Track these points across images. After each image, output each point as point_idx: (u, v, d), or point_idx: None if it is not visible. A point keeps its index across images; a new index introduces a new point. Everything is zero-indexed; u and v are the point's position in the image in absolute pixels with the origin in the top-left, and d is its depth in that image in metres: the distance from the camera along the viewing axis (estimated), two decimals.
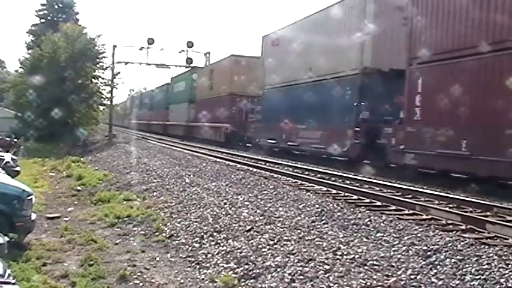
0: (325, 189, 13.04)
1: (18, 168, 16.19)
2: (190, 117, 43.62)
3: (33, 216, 8.60)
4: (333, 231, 8.14)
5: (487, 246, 7.00)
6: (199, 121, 39.68)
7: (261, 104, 30.33)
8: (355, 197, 11.73)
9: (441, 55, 15.07)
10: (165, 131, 52.52)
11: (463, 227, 8.54)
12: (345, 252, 6.98)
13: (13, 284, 4.37)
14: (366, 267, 6.41)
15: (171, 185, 13.85)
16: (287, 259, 6.82)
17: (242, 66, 33.89)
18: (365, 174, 15.88)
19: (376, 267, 6.41)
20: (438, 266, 6.29)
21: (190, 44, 39.73)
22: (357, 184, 14.03)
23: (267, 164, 19.93)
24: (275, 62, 27.69)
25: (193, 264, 7.40)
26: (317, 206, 10.04)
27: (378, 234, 7.84)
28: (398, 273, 6.16)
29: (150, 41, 38.14)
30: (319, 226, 8.55)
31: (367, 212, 9.52)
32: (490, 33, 13.31)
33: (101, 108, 43.51)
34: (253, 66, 32.20)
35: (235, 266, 6.97)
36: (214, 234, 8.59)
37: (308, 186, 13.61)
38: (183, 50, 39.61)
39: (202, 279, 6.76)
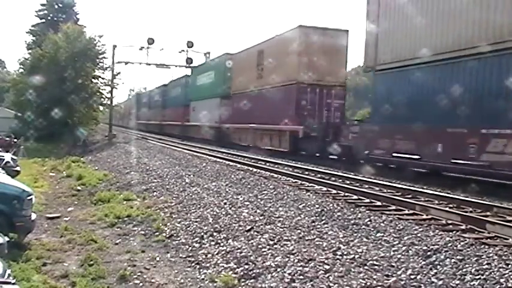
0: (325, 189, 13.04)
1: (18, 168, 16.19)
2: (224, 116, 34.03)
3: (33, 216, 8.60)
4: (333, 231, 8.15)
5: (487, 246, 7.00)
6: (240, 122, 30.74)
7: (372, 93, 20.34)
8: (355, 197, 11.73)
9: None
10: (184, 133, 43.77)
11: (463, 227, 8.54)
12: (345, 252, 6.99)
13: (13, 284, 4.36)
14: (366, 267, 6.41)
15: (171, 185, 13.86)
16: (287, 259, 6.82)
17: (315, 43, 23.93)
18: (365, 174, 15.87)
19: (376, 267, 6.41)
20: (438, 266, 6.29)
21: (190, 44, 39.68)
22: (357, 184, 14.03)
23: (267, 164, 19.92)
24: (405, 25, 16.96)
25: (193, 264, 7.40)
26: (317, 206, 10.04)
27: (378, 234, 7.84)
28: (398, 273, 6.17)
29: (150, 41, 38.11)
30: (319, 226, 8.55)
31: (367, 212, 9.52)
32: None
33: (101, 108, 43.44)
34: (332, 43, 23.65)
35: (235, 266, 6.97)
36: (214, 234, 8.59)
37: (308, 186, 13.61)
38: (183, 50, 39.57)
39: (202, 279, 6.76)
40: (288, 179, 15.18)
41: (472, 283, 5.75)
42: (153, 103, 61.65)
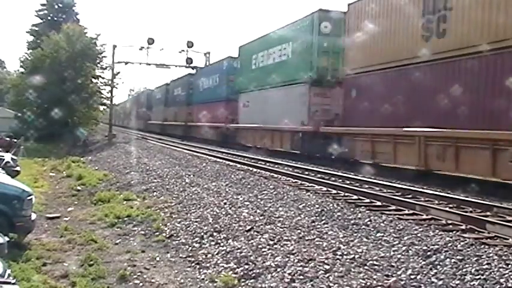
0: (325, 189, 13.04)
1: (18, 168, 16.18)
2: (323, 114, 21.62)
3: (33, 216, 8.60)
4: (333, 231, 8.14)
5: (487, 246, 7.00)
6: (380, 123, 16.96)
7: None
8: (355, 197, 11.72)
9: None
10: (228, 139, 31.96)
11: (463, 227, 8.54)
12: (345, 252, 6.98)
13: (13, 284, 4.36)
14: (366, 267, 6.41)
15: (171, 185, 13.86)
16: (287, 259, 6.82)
17: None
18: (365, 174, 15.86)
19: (376, 267, 6.41)
20: (438, 266, 6.29)
21: (190, 44, 39.71)
22: (357, 184, 14.02)
23: (267, 164, 19.90)
24: None
25: (193, 264, 7.40)
26: (317, 206, 10.04)
27: (378, 234, 7.84)
28: (398, 273, 6.16)
29: (150, 41, 38.15)
30: (319, 226, 8.55)
31: (367, 212, 9.52)
32: None
33: (101, 108, 43.37)
34: None
35: (235, 266, 6.97)
36: (214, 234, 8.59)
37: (308, 186, 13.61)
38: (183, 50, 39.60)
39: (202, 279, 6.76)
40: (288, 179, 15.18)
41: (472, 283, 5.75)
42: (171, 99, 49.72)
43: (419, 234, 7.65)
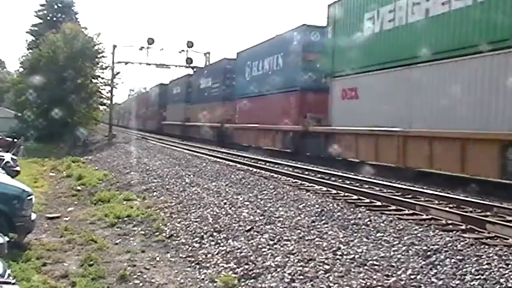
0: (325, 189, 13.03)
1: (18, 168, 16.16)
2: None
3: (33, 216, 8.60)
4: (333, 231, 8.14)
5: (487, 246, 6.99)
6: None
7: None
8: (355, 197, 11.72)
9: None
10: (305, 147, 22.55)
11: (463, 227, 8.53)
12: (345, 252, 6.98)
13: (13, 284, 4.36)
14: (366, 267, 6.41)
15: (171, 185, 13.86)
16: (287, 259, 6.82)
17: None
18: (365, 174, 15.85)
19: (376, 267, 6.40)
20: (438, 266, 6.28)
21: (190, 44, 39.77)
22: (357, 184, 14.02)
23: (267, 164, 19.90)
24: None
25: (193, 264, 7.40)
26: (317, 206, 10.04)
27: (378, 234, 7.83)
28: (398, 273, 6.16)
29: (150, 41, 38.21)
30: (319, 226, 8.55)
31: (367, 212, 9.52)
32: None
33: (101, 108, 43.35)
34: None
35: (235, 266, 6.97)
36: (214, 234, 8.59)
37: (308, 186, 13.61)
38: (183, 50, 39.65)
39: (202, 279, 6.76)
40: (288, 179, 15.17)
41: (472, 283, 5.75)
42: (196, 94, 40.27)
43: (419, 234, 7.65)
